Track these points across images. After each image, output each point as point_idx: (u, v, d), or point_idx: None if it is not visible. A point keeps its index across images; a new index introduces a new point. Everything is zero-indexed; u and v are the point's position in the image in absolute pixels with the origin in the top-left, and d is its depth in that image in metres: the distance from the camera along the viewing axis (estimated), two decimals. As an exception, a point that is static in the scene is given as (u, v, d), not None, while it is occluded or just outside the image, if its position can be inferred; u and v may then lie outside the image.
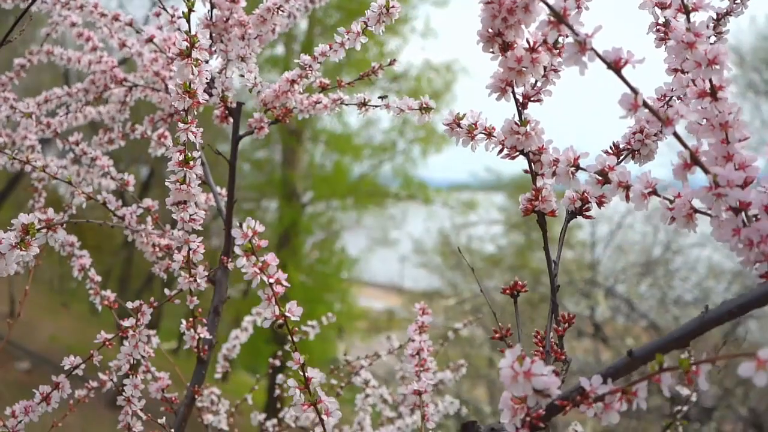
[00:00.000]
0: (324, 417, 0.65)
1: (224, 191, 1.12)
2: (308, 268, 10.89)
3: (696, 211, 0.55)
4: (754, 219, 0.52)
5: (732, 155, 0.54)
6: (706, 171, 0.51)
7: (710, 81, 0.54)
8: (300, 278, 9.97)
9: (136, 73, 1.27)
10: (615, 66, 0.51)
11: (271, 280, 0.62)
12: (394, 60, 0.99)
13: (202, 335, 0.97)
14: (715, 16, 0.71)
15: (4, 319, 1.28)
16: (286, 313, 0.63)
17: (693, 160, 0.52)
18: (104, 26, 1.13)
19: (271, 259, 0.63)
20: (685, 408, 1.09)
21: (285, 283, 0.63)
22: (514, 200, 10.94)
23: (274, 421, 1.37)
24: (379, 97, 0.94)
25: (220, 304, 1.01)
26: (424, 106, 0.81)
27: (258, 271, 0.62)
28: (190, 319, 0.96)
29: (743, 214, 0.51)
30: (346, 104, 0.95)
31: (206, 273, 0.91)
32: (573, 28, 0.51)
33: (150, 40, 1.02)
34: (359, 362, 1.34)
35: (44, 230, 0.69)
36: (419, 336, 0.96)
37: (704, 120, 0.56)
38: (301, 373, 0.66)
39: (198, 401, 1.34)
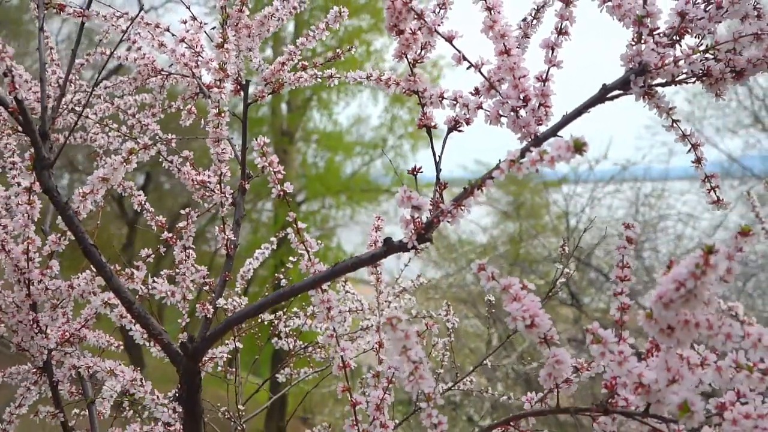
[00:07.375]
0: (308, 249, 1.12)
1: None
2: (305, 265, 11.32)
3: (500, 115, 1.03)
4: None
5: (517, 84, 1.02)
6: (497, 91, 1.00)
7: (504, 44, 1.01)
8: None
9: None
10: (448, 39, 0.99)
11: (275, 169, 1.10)
12: (352, 47, 1.47)
13: (229, 237, 1.44)
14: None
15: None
16: (284, 188, 1.11)
17: (491, 86, 1.00)
18: (148, 32, 1.61)
19: (275, 158, 1.10)
20: (561, 283, 1.56)
21: (282, 171, 1.10)
22: (504, 191, 11.44)
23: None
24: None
25: (240, 218, 1.49)
26: (377, 74, 1.28)
27: (267, 165, 1.09)
28: (221, 225, 1.44)
29: (518, 112, 1.00)
30: (320, 78, 1.43)
31: (232, 191, 1.39)
32: (425, 20, 0.99)
33: (182, 40, 1.49)
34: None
35: (142, 150, 1.16)
36: (376, 233, 1.44)
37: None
38: (295, 225, 1.13)
39: (224, 304, 1.82)
